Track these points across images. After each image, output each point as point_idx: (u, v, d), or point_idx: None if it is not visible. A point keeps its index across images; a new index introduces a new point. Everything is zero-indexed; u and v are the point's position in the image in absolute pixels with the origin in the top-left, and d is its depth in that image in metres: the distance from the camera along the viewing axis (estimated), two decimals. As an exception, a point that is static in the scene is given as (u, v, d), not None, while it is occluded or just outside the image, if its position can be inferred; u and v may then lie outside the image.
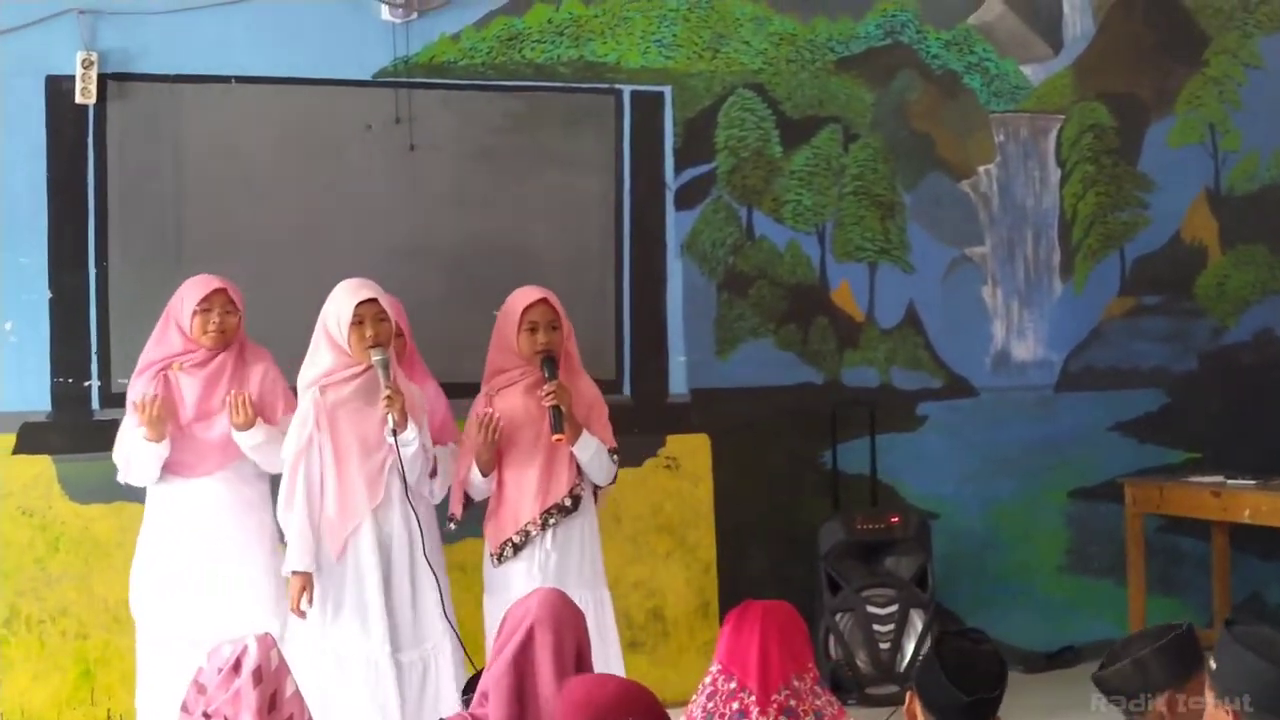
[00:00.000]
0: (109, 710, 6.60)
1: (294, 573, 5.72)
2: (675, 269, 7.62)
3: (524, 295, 6.05)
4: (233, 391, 5.92)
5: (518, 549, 5.91)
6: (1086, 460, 8.34)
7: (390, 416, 5.66)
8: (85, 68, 6.66)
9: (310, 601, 5.70)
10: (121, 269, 6.76)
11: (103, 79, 6.72)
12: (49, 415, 6.68)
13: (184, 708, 3.86)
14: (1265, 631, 3.72)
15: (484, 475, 5.93)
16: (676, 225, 7.65)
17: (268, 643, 3.86)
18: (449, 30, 7.29)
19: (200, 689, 3.85)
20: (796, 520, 7.64)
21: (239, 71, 6.95)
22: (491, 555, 5.96)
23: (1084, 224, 8.43)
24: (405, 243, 7.05)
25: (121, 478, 6.02)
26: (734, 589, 6.95)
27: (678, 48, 7.66)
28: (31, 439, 6.62)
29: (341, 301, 5.79)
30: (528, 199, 7.32)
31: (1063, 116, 8.42)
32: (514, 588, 5.74)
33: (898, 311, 8.10)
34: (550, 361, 5.92)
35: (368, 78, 7.15)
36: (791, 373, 7.87)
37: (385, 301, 5.81)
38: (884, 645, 7.27)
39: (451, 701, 5.55)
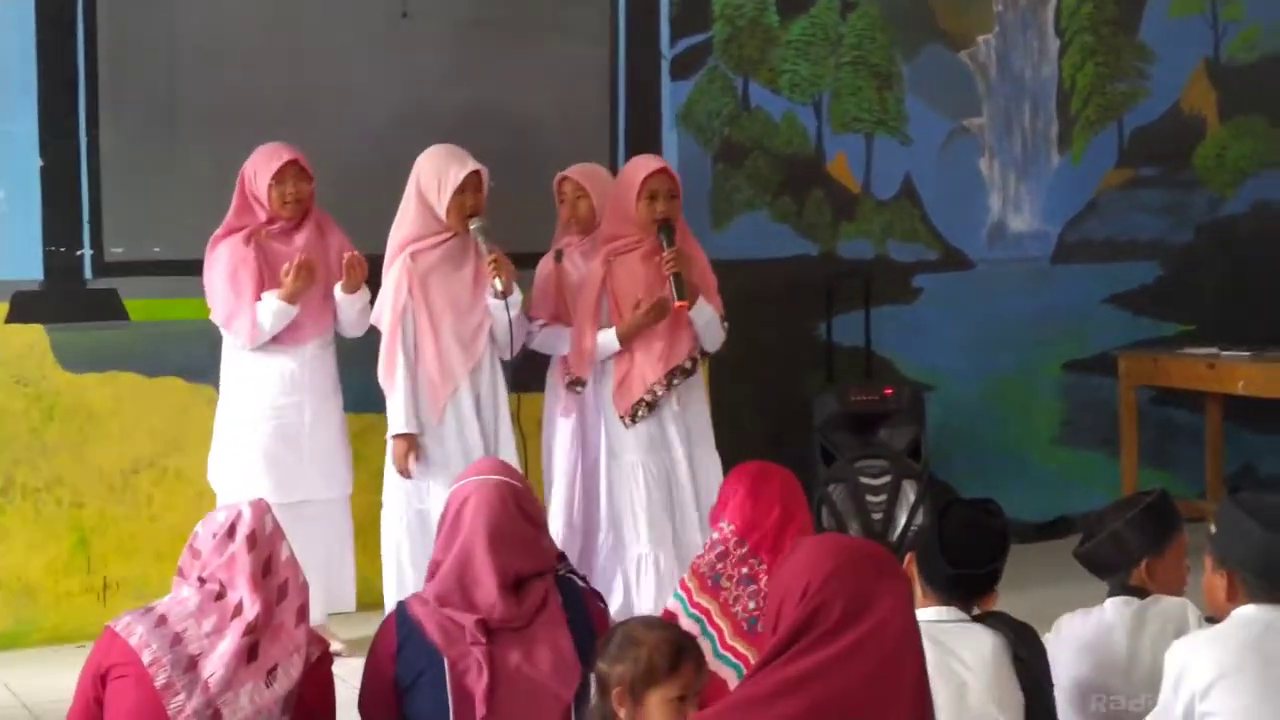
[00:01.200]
0: (105, 578, 6.63)
1: (397, 435, 5.95)
2: (670, 140, 7.57)
3: (644, 164, 6.16)
4: (349, 254, 6.14)
5: (651, 407, 6.03)
6: (1081, 332, 8.36)
7: (497, 280, 5.86)
8: (74, -67, 6.58)
9: (418, 459, 5.92)
10: (113, 137, 6.69)
11: (92, -56, 6.64)
12: (41, 284, 6.63)
13: (179, 572, 3.88)
14: (1268, 499, 3.74)
15: (622, 345, 6.04)
16: (672, 95, 7.60)
17: (261, 507, 3.88)
18: (442, -105, 7.21)
19: (195, 554, 3.87)
20: (791, 392, 7.65)
21: (230, -63, 6.87)
22: (623, 418, 6.06)
23: (1082, 95, 8.39)
24: (399, 111, 6.99)
25: (245, 343, 6.13)
26: (728, 459, 6.93)
27: (674, -86, 7.57)
28: (24, 308, 6.58)
29: (446, 170, 5.97)
30: (522, 68, 7.25)
31: (1062, -15, 8.35)
32: (646, 451, 6.03)
33: (894, 183, 8.07)
34: (668, 229, 6.02)
35: (360, -57, 7.07)
36: (787, 245, 7.86)
37: (485, 171, 5.98)
38: (876, 516, 7.30)
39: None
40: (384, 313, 6.01)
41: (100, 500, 6.64)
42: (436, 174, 5.98)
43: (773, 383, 7.73)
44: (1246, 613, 3.63)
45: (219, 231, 6.21)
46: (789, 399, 7.62)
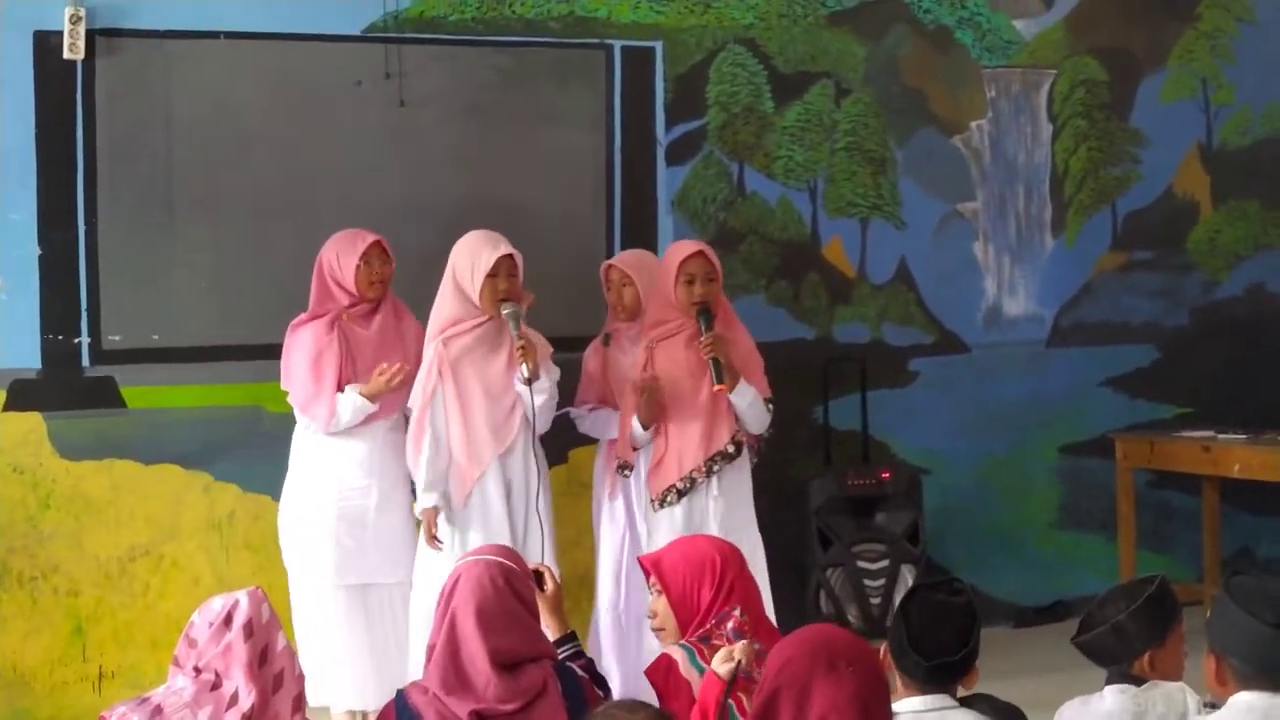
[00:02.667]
0: (100, 667, 6.61)
1: (425, 510, 5.96)
2: (666, 225, 7.61)
3: (681, 248, 6.20)
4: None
5: (681, 494, 6.04)
6: (1078, 415, 8.35)
7: (524, 366, 5.84)
8: (73, 23, 6.61)
9: (436, 529, 5.93)
10: (111, 225, 6.73)
11: (91, 35, 6.67)
12: (39, 372, 6.65)
13: (175, 661, 3.87)
14: (1263, 586, 3.72)
15: (645, 429, 6.07)
16: (667, 181, 7.64)
17: (258, 597, 3.87)
18: (438, -15, 7.28)
19: (191, 643, 3.85)
20: (788, 476, 7.64)
21: (228, 27, 6.91)
22: (653, 501, 6.08)
23: (1076, 179, 8.42)
24: (395, 198, 7.03)
25: (320, 429, 6.12)
26: (725, 544, 6.96)
27: (668, 2, 7.62)
28: (22, 396, 6.60)
29: (479, 254, 5.98)
30: (518, 154, 7.29)
31: (1055, 71, 8.41)
32: (679, 533, 5.88)
33: (889, 267, 8.09)
34: (706, 314, 6.03)
35: (357, 33, 7.12)
36: (783, 329, 7.86)
37: (518, 256, 6.00)
38: (875, 600, 7.29)
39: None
40: (415, 396, 6.04)
41: (97, 588, 6.63)
42: (470, 258, 6.00)
43: (770, 466, 7.69)
44: (1245, 699, 3.62)
45: (302, 317, 6.21)
46: (786, 483, 7.61)
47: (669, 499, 6.05)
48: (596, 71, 7.49)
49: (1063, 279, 8.39)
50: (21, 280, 6.64)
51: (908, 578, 7.30)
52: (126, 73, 6.78)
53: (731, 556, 4.60)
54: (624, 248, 7.34)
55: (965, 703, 3.83)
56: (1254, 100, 8.70)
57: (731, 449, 6.10)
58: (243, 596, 3.86)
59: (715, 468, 6.07)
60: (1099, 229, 8.47)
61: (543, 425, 6.10)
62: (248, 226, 6.64)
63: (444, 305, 6.06)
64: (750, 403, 6.11)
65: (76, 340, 6.69)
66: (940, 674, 3.81)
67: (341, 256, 6.19)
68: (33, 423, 6.61)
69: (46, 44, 6.65)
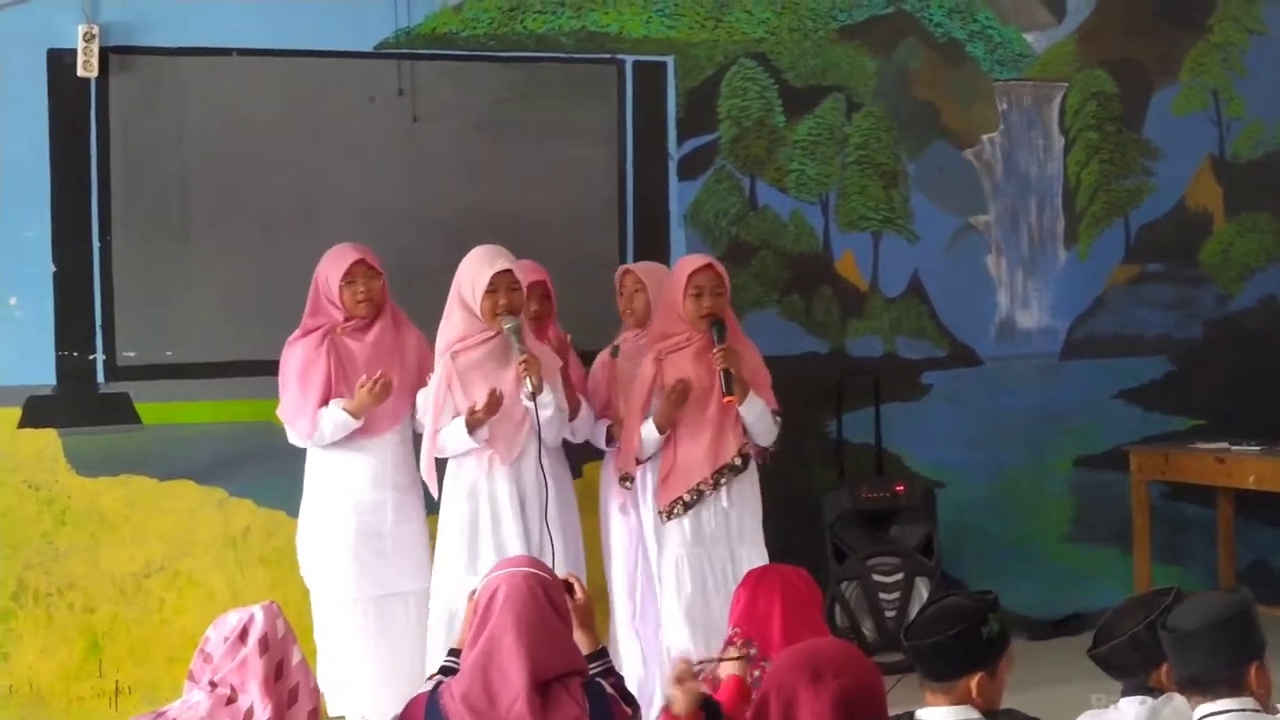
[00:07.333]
0: (117, 682, 6.62)
1: (470, 424, 5.88)
2: (678, 239, 7.61)
3: (690, 261, 6.22)
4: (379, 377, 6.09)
5: (688, 506, 6.04)
6: (1091, 428, 8.34)
7: (528, 380, 5.83)
8: (87, 41, 6.64)
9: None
10: (125, 242, 6.76)
11: (104, 52, 6.71)
12: (54, 389, 6.67)
13: (190, 676, 3.87)
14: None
15: (661, 433, 6.06)
16: (679, 195, 7.65)
17: (273, 611, 3.87)
18: (450, 1, 7.28)
19: (206, 658, 3.86)
20: (802, 489, 7.64)
21: (241, 44, 6.94)
22: (660, 513, 6.08)
23: (1088, 192, 8.42)
24: (408, 214, 7.05)
25: (301, 441, 6.13)
26: (739, 558, 6.96)
27: (679, 17, 7.64)
28: (37, 413, 6.62)
29: (478, 270, 5.97)
30: (531, 169, 7.31)
31: (1066, 84, 8.41)
32: (688, 545, 6.00)
33: (902, 281, 8.09)
34: (719, 325, 6.06)
35: (370, 49, 7.14)
36: (796, 343, 7.87)
37: (519, 270, 5.99)
38: (890, 613, 7.28)
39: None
40: (425, 410, 6.04)
41: (112, 604, 6.64)
42: (471, 275, 6.00)
43: (784, 480, 7.68)
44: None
45: (296, 333, 6.20)
46: (800, 496, 7.61)
47: (676, 511, 6.04)
48: (608, 86, 7.51)
49: (1076, 291, 8.38)
50: (36, 297, 6.67)
51: (923, 590, 7.30)
52: (140, 90, 6.81)
53: (750, 576, 4.63)
54: (636, 262, 7.34)
55: (991, 718, 3.83)
56: (1265, 112, 8.69)
57: (738, 461, 6.09)
58: (258, 611, 3.86)
59: (722, 480, 6.06)
60: (1112, 241, 8.47)
61: (552, 439, 6.08)
62: (261, 242, 6.65)
63: (451, 321, 6.05)
64: (759, 415, 6.11)
65: (91, 357, 6.71)
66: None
67: (330, 275, 6.19)
68: (48, 439, 6.62)
69: (60, 62, 6.68)
